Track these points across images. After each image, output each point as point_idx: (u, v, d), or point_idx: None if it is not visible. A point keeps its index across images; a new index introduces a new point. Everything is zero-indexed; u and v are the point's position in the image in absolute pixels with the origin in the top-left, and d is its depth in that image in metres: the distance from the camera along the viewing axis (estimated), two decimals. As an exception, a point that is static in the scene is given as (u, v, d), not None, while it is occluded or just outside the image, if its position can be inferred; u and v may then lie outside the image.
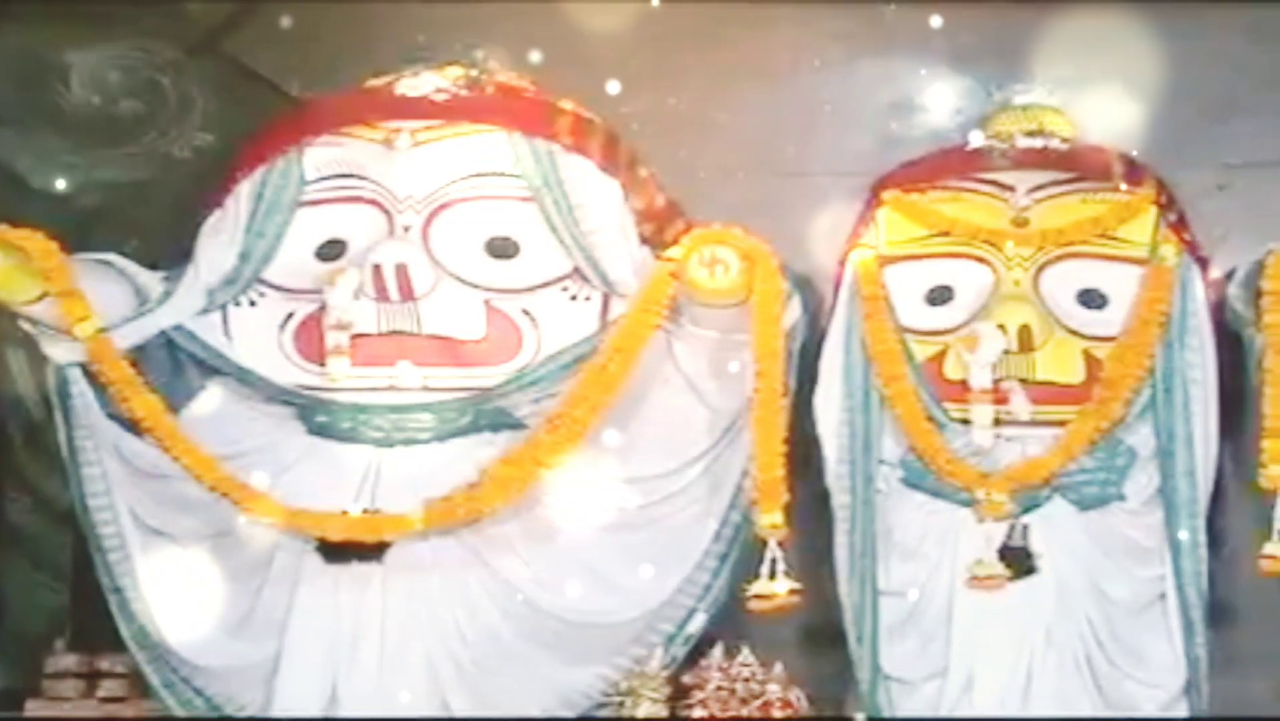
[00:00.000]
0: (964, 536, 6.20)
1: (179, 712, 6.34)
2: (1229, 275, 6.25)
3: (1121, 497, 6.20)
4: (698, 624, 6.33)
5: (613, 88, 6.58)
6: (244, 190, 6.44)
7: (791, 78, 6.74)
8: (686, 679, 6.26)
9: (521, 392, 6.30)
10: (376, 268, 6.24)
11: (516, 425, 6.31)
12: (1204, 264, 6.29)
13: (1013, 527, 6.18)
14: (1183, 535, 6.14)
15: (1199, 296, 6.21)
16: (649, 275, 6.28)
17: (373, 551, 6.26)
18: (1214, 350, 6.19)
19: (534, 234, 6.34)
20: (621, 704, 6.26)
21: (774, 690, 6.22)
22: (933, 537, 6.24)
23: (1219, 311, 6.22)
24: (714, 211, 6.41)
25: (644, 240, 6.41)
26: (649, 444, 6.34)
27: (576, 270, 6.35)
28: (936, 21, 6.52)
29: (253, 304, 6.44)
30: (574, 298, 6.36)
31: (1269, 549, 6.05)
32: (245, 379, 6.38)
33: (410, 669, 6.26)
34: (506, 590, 6.30)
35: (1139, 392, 6.16)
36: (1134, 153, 6.37)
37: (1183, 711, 6.18)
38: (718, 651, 6.26)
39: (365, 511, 6.27)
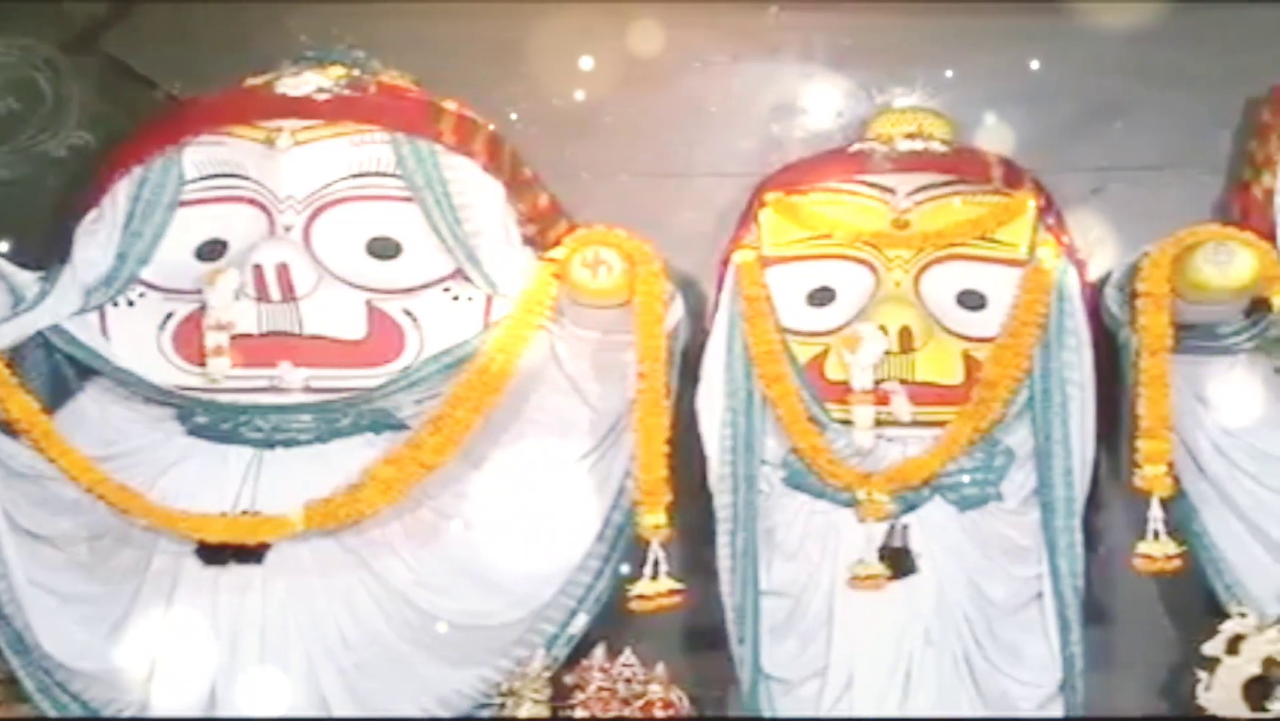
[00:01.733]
0: (845, 536, 6.22)
1: (52, 714, 6.29)
2: (1105, 277, 6.31)
3: (1000, 497, 6.24)
4: (580, 624, 6.33)
5: (497, 88, 6.60)
6: (122, 189, 6.38)
7: (675, 79, 6.75)
8: (568, 679, 6.27)
9: (404, 393, 6.27)
10: (257, 267, 6.20)
11: (399, 426, 6.29)
12: (1081, 266, 6.34)
13: (893, 528, 6.22)
14: (1059, 534, 6.19)
15: (1076, 298, 6.25)
16: (531, 276, 6.28)
17: (252, 553, 6.22)
18: (1091, 351, 6.23)
19: (416, 234, 6.32)
20: (503, 705, 6.26)
21: (656, 690, 6.23)
22: (814, 538, 6.26)
23: (1095, 313, 6.28)
24: (597, 212, 6.42)
25: (527, 241, 6.41)
26: (531, 445, 6.35)
27: (459, 271, 6.33)
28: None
29: (131, 304, 6.37)
30: (456, 298, 6.34)
31: (1143, 548, 6.11)
32: (123, 379, 6.32)
33: (290, 671, 6.23)
34: (388, 592, 6.28)
35: (1017, 393, 6.20)
36: (1012, 155, 6.42)
37: (1058, 709, 6.23)
38: (600, 652, 6.27)
39: (245, 513, 6.23)
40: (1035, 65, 6.63)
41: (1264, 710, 6.09)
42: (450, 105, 6.44)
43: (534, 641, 6.31)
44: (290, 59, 6.48)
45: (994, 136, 6.50)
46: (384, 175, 6.34)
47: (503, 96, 6.62)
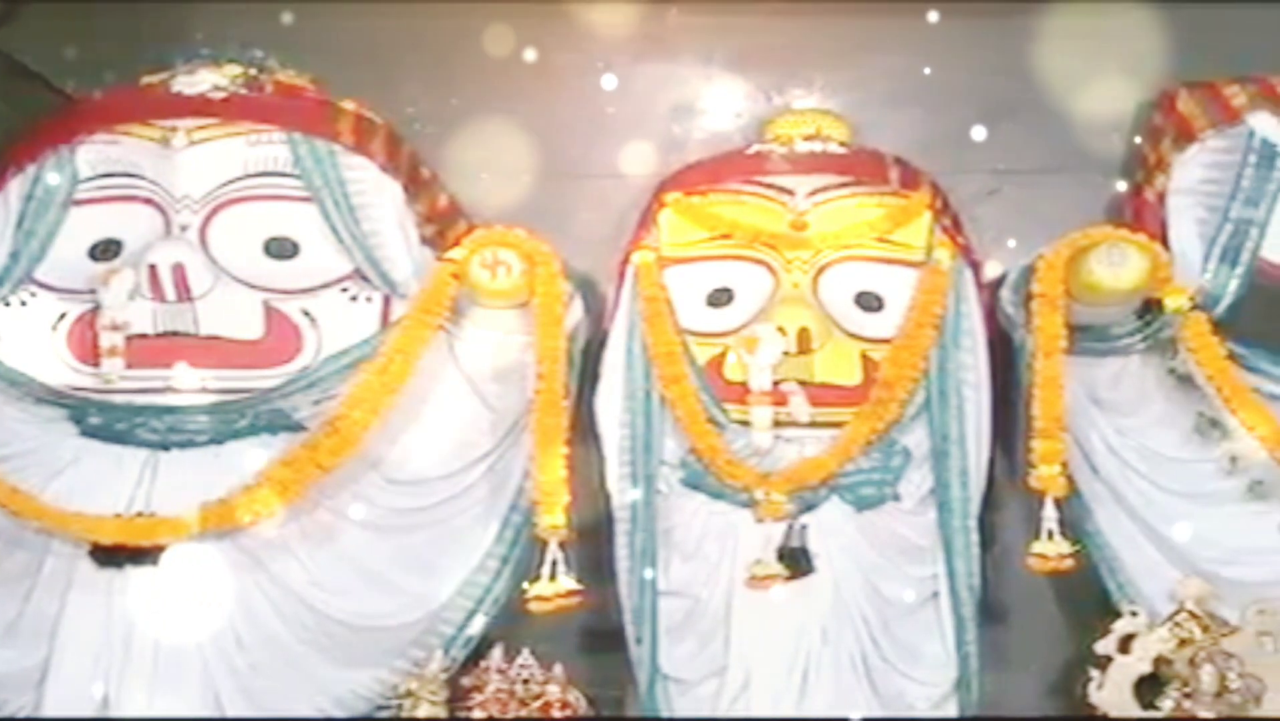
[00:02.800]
0: (743, 537, 6.24)
1: (-58, 720, 6.23)
2: (1001, 279, 6.36)
3: (897, 497, 6.27)
4: (478, 626, 6.31)
5: (396, 88, 6.58)
6: (14, 188, 6.31)
7: (575, 80, 6.76)
8: (466, 681, 6.24)
9: (301, 394, 6.24)
10: (152, 267, 6.15)
11: (296, 427, 6.25)
12: (977, 267, 6.39)
13: (791, 528, 6.23)
14: (956, 534, 6.23)
15: (972, 299, 6.29)
16: (430, 276, 6.26)
17: (147, 555, 6.17)
18: (987, 352, 6.28)
19: (314, 234, 6.28)
20: (400, 706, 6.23)
21: (553, 691, 6.23)
22: (712, 538, 6.27)
23: (992, 314, 6.33)
24: (497, 213, 6.42)
25: (426, 241, 6.39)
26: (430, 445, 6.33)
27: (357, 271, 6.30)
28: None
29: (23, 304, 6.30)
30: (354, 298, 6.31)
31: (1037, 547, 6.15)
32: (15, 380, 6.24)
33: (184, 673, 6.18)
34: (284, 593, 6.25)
35: (914, 394, 6.23)
36: (909, 157, 6.44)
37: (953, 708, 6.26)
38: (497, 653, 6.26)
39: (139, 514, 6.17)
40: (931, 67, 6.69)
41: (1154, 708, 6.14)
42: (348, 105, 6.41)
43: (431, 642, 6.29)
44: (185, 57, 6.43)
45: (892, 137, 6.54)
46: (281, 175, 6.30)
47: (402, 96, 6.60)
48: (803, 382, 6.23)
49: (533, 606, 6.17)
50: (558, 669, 6.25)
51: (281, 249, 6.30)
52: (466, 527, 6.33)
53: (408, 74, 6.66)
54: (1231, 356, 6.18)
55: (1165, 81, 6.48)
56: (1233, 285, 6.27)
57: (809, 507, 6.24)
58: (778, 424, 6.23)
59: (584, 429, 6.30)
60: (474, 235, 6.27)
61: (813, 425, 6.23)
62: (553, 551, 6.16)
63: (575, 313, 6.28)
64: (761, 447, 6.23)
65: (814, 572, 6.23)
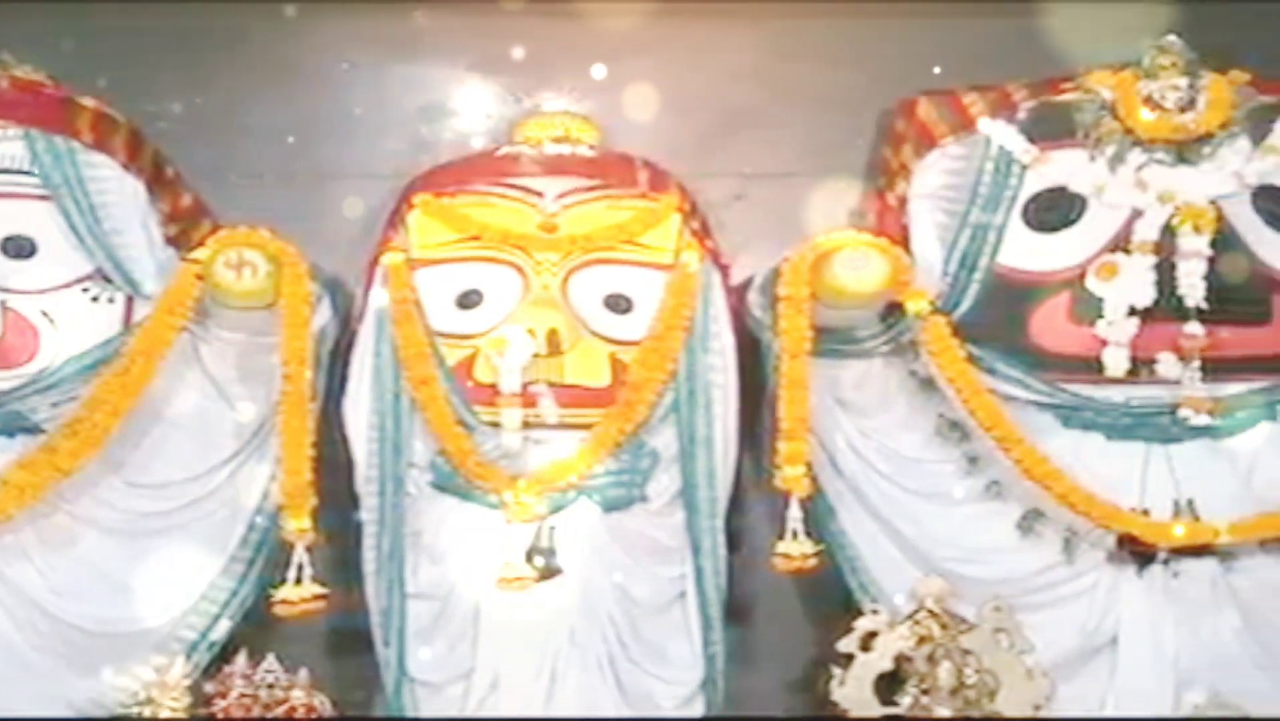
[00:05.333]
0: (492, 538, 6.24)
1: None
2: (748, 282, 6.43)
3: (645, 498, 6.31)
4: (222, 630, 6.26)
5: (139, 86, 6.48)
6: None
7: (322, 79, 6.71)
8: (209, 686, 6.18)
9: (39, 396, 6.14)
10: (-121, 268, 6.04)
11: (33, 429, 6.15)
12: (725, 270, 6.45)
13: (540, 529, 6.25)
14: (703, 535, 6.27)
15: (720, 302, 6.35)
16: (174, 277, 6.17)
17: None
18: (735, 354, 6.34)
19: (53, 233, 6.19)
20: (140, 713, 6.14)
21: (298, 696, 6.19)
22: (461, 540, 6.26)
23: (739, 317, 6.39)
24: (243, 213, 6.33)
25: (169, 241, 6.32)
26: (173, 448, 6.27)
27: (98, 271, 6.22)
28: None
29: None
30: (95, 299, 6.23)
31: (782, 547, 6.23)
32: None
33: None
34: (19, 599, 6.15)
35: (663, 396, 6.27)
36: (657, 161, 6.48)
37: (699, 707, 6.32)
38: (242, 658, 6.20)
39: None
40: (679, 73, 6.74)
41: (894, 705, 6.24)
42: (88, 102, 6.30)
43: (174, 648, 6.22)
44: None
45: (640, 141, 6.58)
46: (18, 172, 6.20)
47: (144, 94, 6.50)
48: (552, 384, 6.25)
49: (278, 610, 6.13)
50: (303, 673, 6.21)
51: (18, 248, 6.19)
52: (210, 531, 6.27)
53: (151, 72, 6.57)
54: (970, 359, 6.31)
55: (906, 89, 6.59)
56: (971, 289, 6.41)
57: (558, 509, 6.26)
58: (527, 425, 6.24)
59: (331, 431, 6.26)
60: (218, 235, 6.21)
61: (562, 426, 6.26)
62: (299, 555, 6.13)
63: (322, 314, 6.24)
64: (511, 449, 6.24)
65: (562, 574, 6.25)
